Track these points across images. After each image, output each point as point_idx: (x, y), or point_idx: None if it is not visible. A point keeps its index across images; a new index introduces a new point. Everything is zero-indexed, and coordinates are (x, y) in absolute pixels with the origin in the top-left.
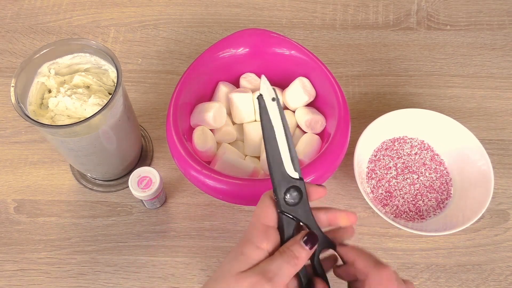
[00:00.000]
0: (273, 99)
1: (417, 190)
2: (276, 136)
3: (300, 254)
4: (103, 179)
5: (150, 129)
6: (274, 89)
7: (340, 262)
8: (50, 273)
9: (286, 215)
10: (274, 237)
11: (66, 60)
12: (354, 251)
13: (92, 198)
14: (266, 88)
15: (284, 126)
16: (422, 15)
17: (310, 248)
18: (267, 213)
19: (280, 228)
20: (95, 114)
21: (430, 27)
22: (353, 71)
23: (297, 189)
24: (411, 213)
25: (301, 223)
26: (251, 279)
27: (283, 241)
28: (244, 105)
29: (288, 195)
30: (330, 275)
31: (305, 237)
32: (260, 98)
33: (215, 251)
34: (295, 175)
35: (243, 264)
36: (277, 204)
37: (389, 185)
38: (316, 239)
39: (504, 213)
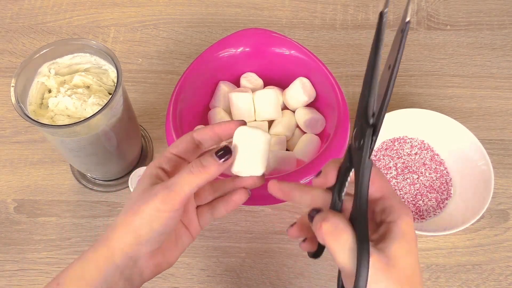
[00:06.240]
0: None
1: (417, 190)
2: (376, 65)
3: (208, 164)
4: (103, 179)
5: (150, 129)
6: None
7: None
8: (50, 273)
9: (348, 154)
10: (177, 164)
11: (66, 60)
12: (381, 182)
13: (92, 198)
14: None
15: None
16: (422, 15)
17: (223, 162)
18: (178, 143)
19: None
20: (95, 114)
21: (430, 27)
22: (353, 71)
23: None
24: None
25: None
26: (153, 190)
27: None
28: (244, 104)
29: (357, 135)
30: None
31: (220, 151)
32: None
33: (215, 251)
34: (370, 120)
35: (147, 182)
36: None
37: None
38: (229, 154)
39: (504, 213)
